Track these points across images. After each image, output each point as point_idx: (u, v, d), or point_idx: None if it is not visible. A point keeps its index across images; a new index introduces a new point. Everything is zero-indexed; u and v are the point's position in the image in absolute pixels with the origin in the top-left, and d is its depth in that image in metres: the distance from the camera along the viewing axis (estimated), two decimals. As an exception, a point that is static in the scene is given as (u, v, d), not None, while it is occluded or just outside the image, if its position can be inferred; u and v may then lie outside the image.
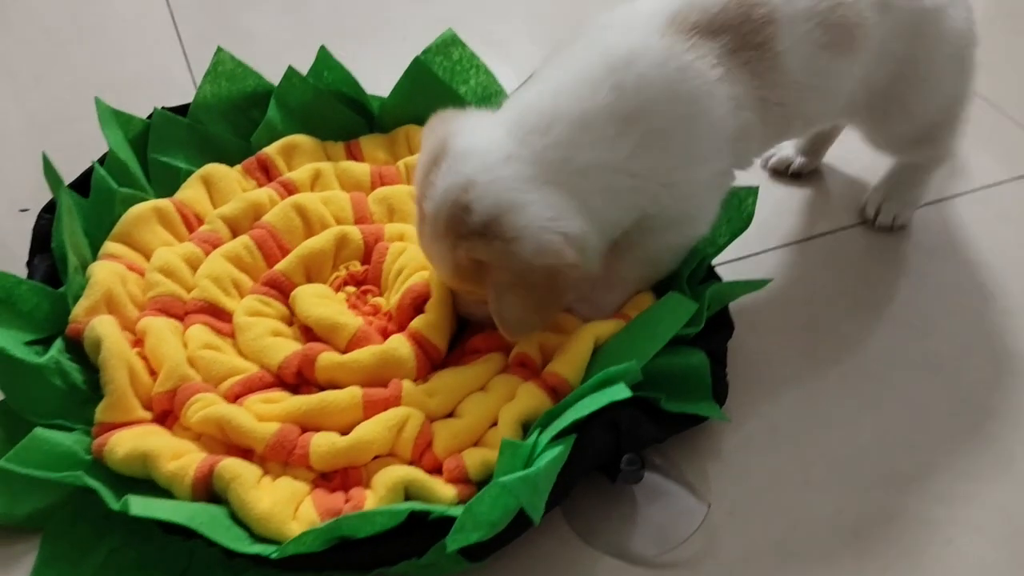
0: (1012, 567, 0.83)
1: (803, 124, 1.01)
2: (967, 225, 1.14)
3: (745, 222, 1.00)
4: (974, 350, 1.00)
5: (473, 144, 0.85)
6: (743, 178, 0.98)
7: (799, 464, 0.90)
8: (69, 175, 1.06)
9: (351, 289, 1.01)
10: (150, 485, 0.83)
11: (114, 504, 0.78)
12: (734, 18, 0.88)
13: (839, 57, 0.92)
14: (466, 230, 0.83)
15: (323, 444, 0.84)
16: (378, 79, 1.19)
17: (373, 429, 0.85)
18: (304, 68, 1.17)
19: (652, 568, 0.83)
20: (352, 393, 0.88)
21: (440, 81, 1.16)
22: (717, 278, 1.00)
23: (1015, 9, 1.53)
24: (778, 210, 1.15)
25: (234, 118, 1.17)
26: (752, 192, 0.99)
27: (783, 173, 1.19)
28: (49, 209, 1.05)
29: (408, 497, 0.82)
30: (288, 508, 0.80)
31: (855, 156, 1.18)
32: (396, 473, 0.82)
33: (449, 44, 1.17)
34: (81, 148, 1.11)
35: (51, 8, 1.49)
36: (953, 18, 0.98)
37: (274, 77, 1.18)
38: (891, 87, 0.99)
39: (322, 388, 0.91)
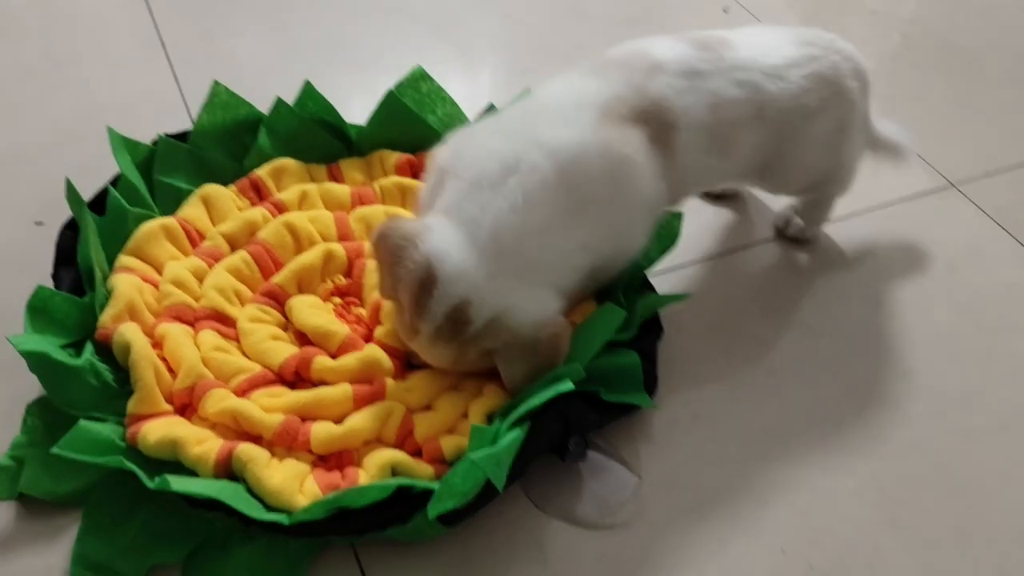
0: (884, 525, 0.99)
1: (685, 196, 1.14)
2: (862, 241, 1.30)
3: (673, 240, 1.14)
4: (861, 348, 1.16)
5: (459, 268, 0.92)
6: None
7: (715, 443, 1.05)
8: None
9: (337, 300, 1.14)
10: (174, 467, 0.95)
11: (149, 483, 0.90)
12: (651, 113, 1.00)
13: (717, 158, 1.06)
14: (470, 335, 0.94)
15: (322, 432, 0.97)
16: (353, 98, 1.31)
17: (363, 419, 0.98)
18: (284, 89, 1.28)
19: (595, 530, 0.97)
20: (344, 389, 1.01)
21: (410, 111, 1.28)
22: (651, 288, 1.14)
23: (914, 43, 1.72)
24: (703, 228, 1.30)
25: (228, 143, 1.27)
26: (678, 216, 1.13)
27: (707, 195, 1.34)
28: (69, 226, 1.16)
29: (394, 474, 0.95)
30: (295, 484, 0.93)
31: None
32: (384, 455, 0.96)
33: (418, 79, 1.30)
34: (84, 167, 1.21)
35: (50, 36, 1.58)
36: (823, 120, 1.10)
37: (257, 98, 1.29)
38: (764, 170, 1.13)
39: (315, 385, 1.04)
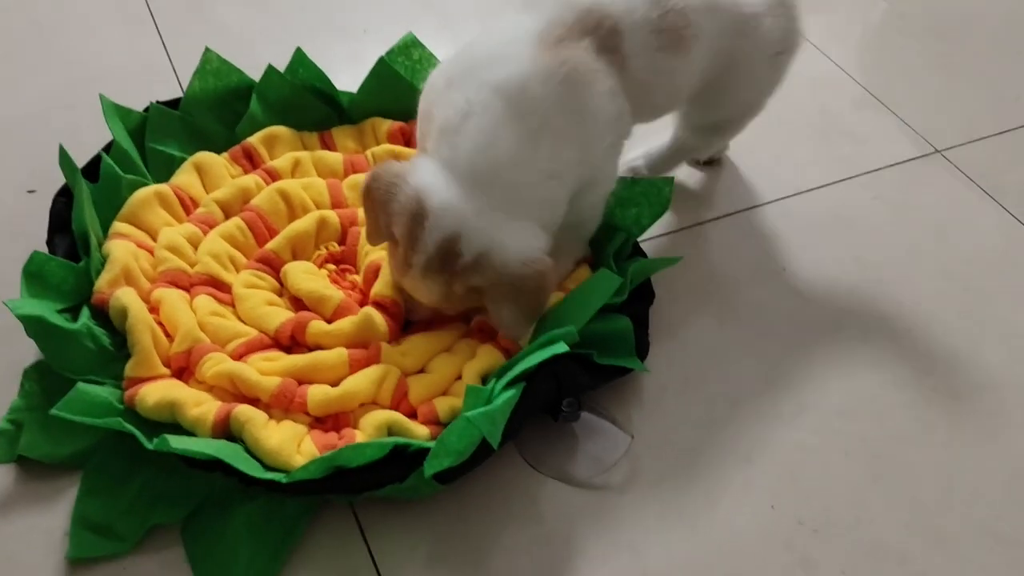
0: (871, 481, 1.02)
1: (653, 110, 1.13)
2: (849, 207, 1.31)
3: (664, 207, 1.16)
4: (848, 311, 1.18)
5: (447, 201, 0.95)
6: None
7: (704, 405, 1.07)
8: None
9: (331, 267, 1.15)
10: (172, 428, 0.96)
11: (148, 444, 0.91)
12: (590, 25, 1.00)
13: (674, 57, 1.05)
14: (460, 268, 0.96)
15: (318, 394, 0.98)
16: (343, 66, 1.32)
17: (359, 382, 1.00)
18: (275, 57, 1.28)
19: (588, 488, 0.99)
20: (339, 353, 1.02)
21: (402, 79, 1.28)
22: (643, 254, 1.16)
23: (900, 11, 1.73)
24: (693, 195, 1.31)
25: (220, 110, 1.28)
26: (668, 183, 1.15)
27: (694, 161, 1.34)
28: (62, 193, 1.16)
29: (390, 435, 0.96)
30: (293, 444, 0.94)
31: (757, 148, 1.36)
32: (380, 416, 0.97)
33: (410, 46, 1.30)
34: (74, 136, 1.21)
35: (37, 5, 1.57)
36: (768, 26, 1.11)
37: (247, 66, 1.29)
38: (719, 78, 1.12)
39: (311, 349, 1.05)
